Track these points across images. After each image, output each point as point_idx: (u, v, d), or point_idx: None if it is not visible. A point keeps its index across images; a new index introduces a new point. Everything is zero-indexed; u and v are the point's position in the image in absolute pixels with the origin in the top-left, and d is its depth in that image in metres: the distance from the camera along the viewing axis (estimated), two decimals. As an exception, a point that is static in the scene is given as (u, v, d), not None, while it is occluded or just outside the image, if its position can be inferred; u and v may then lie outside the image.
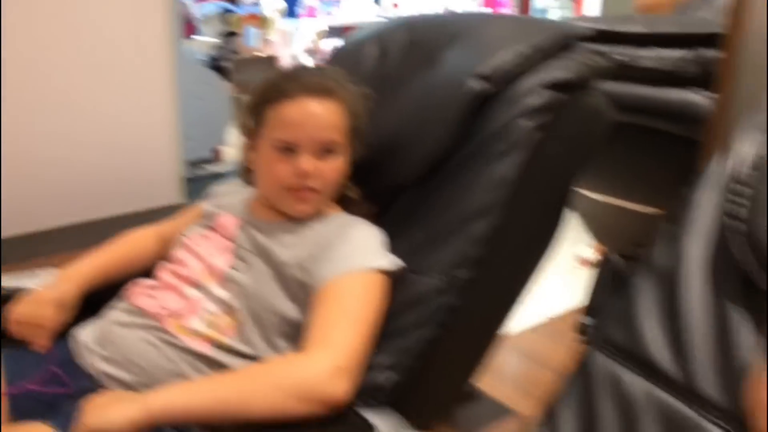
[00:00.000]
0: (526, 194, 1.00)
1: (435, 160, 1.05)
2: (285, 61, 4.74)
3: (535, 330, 2.07)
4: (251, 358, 0.95)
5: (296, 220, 1.02)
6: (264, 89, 1.03)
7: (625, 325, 0.74)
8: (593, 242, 2.14)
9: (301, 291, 0.96)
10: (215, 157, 4.27)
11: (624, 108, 1.41)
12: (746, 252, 0.66)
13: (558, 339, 2.00)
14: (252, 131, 1.04)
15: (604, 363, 0.74)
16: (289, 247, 0.99)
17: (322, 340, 0.87)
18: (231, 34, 4.96)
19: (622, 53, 1.47)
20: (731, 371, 0.63)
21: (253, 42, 4.20)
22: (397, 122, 1.11)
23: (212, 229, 1.08)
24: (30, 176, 2.90)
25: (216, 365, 0.94)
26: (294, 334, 0.96)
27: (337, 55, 1.33)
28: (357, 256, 0.96)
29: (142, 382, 0.93)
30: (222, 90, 4.14)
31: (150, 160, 3.24)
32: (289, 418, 0.81)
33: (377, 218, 1.07)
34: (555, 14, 5.96)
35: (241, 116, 1.06)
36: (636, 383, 0.70)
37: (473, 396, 1.51)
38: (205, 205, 1.15)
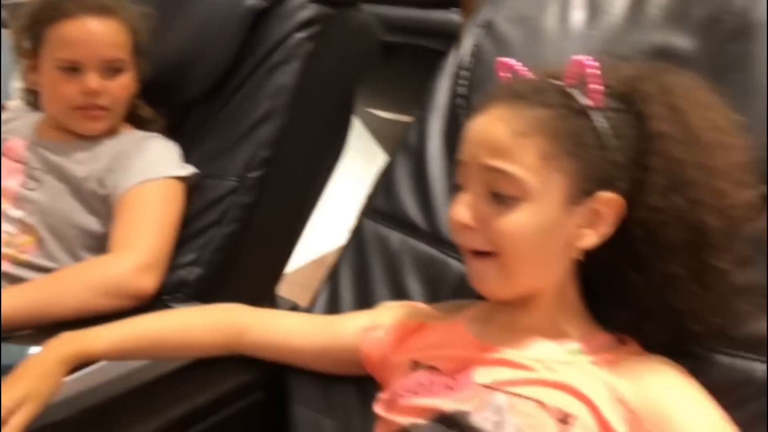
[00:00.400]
0: (306, 100, 1.11)
1: (220, 74, 1.13)
2: None
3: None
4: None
5: (88, 138, 1.05)
6: (41, 9, 1.03)
7: (386, 195, 0.89)
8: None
9: (101, 204, 1.01)
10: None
11: (396, 29, 1.57)
12: (462, 116, 0.84)
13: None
14: (31, 53, 1.04)
15: (372, 226, 0.89)
16: (84, 163, 1.02)
17: (126, 242, 0.93)
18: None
19: None
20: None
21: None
22: (181, 41, 1.16)
23: (2, 154, 1.07)
24: None
25: (19, 282, 0.96)
26: (98, 246, 1.01)
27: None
28: (153, 166, 1.02)
29: None
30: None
31: None
32: (98, 313, 0.87)
33: (170, 133, 1.12)
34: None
35: (17, 37, 1.05)
36: (395, 237, 0.86)
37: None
38: None
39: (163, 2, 1.19)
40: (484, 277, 0.61)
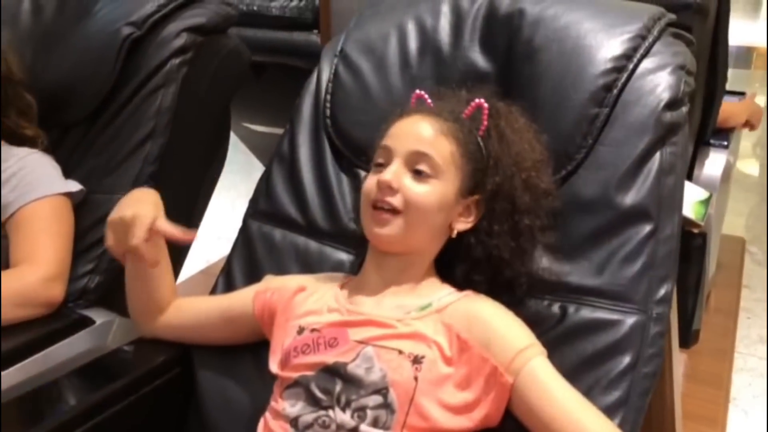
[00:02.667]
0: (185, 119, 1.25)
1: (101, 98, 1.24)
2: None
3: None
4: None
5: None
6: None
7: (267, 197, 1.06)
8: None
9: None
10: None
11: (264, 50, 1.72)
12: (332, 132, 1.03)
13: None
14: None
15: (257, 226, 1.05)
16: None
17: (30, 257, 1.02)
18: None
19: (255, 3, 1.78)
20: (331, 203, 1.00)
21: None
22: (63, 67, 1.26)
23: None
24: None
25: None
26: None
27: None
28: (42, 183, 1.10)
29: None
30: None
31: None
32: (13, 323, 0.97)
33: (51, 152, 1.20)
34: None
35: None
36: (277, 233, 1.03)
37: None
38: None
39: (45, 31, 1.30)
40: (388, 227, 0.79)
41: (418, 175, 0.79)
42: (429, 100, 0.87)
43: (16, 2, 1.36)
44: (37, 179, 1.11)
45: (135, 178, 1.18)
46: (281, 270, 0.99)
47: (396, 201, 0.78)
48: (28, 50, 1.30)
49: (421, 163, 0.79)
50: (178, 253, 1.36)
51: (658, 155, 0.88)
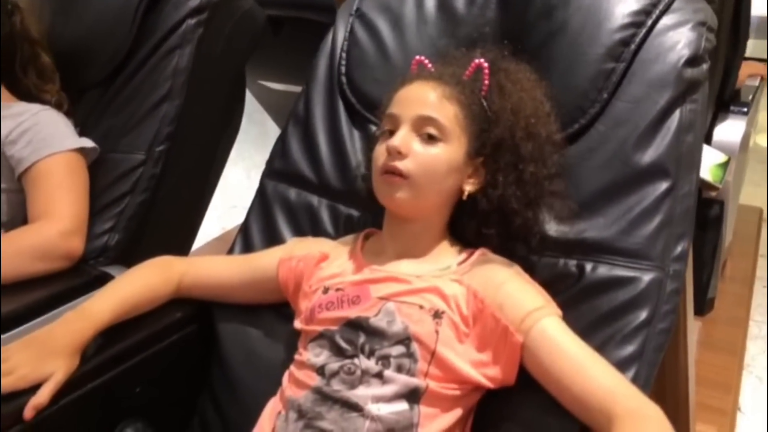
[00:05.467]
0: (200, 80, 1.25)
1: (118, 59, 1.24)
2: None
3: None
4: None
5: None
6: None
7: (282, 158, 1.06)
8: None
9: (5, 167, 1.09)
10: None
11: (279, 4, 1.70)
12: (349, 91, 1.03)
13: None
14: None
15: (273, 186, 1.05)
16: None
17: (47, 211, 1.04)
18: None
19: None
20: (345, 163, 1.00)
21: None
22: (77, 31, 1.27)
23: None
24: None
25: None
26: (3, 208, 1.09)
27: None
28: (56, 139, 1.11)
29: None
30: None
31: None
32: (34, 276, 0.98)
33: (70, 113, 1.21)
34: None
35: None
36: (292, 192, 1.03)
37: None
38: None
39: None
40: (398, 192, 0.79)
41: (426, 139, 0.79)
42: (430, 65, 0.87)
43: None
44: (51, 135, 1.12)
45: (153, 137, 1.19)
46: (296, 229, 1.00)
47: (405, 165, 0.78)
48: (46, 12, 1.30)
49: (428, 127, 0.79)
50: (192, 221, 1.39)
51: (678, 112, 0.87)
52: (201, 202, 1.39)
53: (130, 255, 1.13)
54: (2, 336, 0.87)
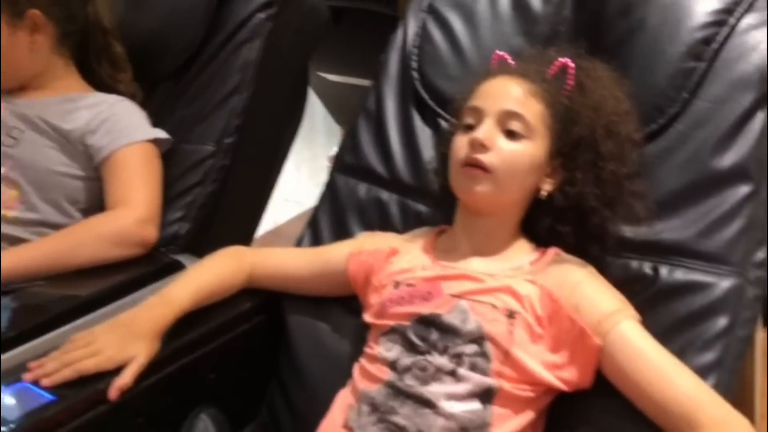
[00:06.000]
0: (268, 73, 1.27)
1: (189, 52, 1.27)
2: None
3: (300, 218, 2.40)
4: (40, 224, 1.09)
5: (59, 96, 1.15)
6: None
7: (353, 152, 1.07)
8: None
9: (83, 155, 1.12)
10: None
11: None
12: (421, 87, 1.03)
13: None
14: None
15: (343, 180, 1.06)
16: (66, 118, 1.12)
17: (124, 199, 1.07)
18: None
19: None
20: (417, 158, 1.01)
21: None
22: (151, 23, 1.29)
23: None
24: None
25: (13, 241, 1.07)
26: (78, 195, 1.12)
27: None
28: (132, 129, 1.14)
29: None
30: None
31: None
32: (110, 261, 1.02)
33: (141, 103, 1.23)
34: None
35: None
36: (363, 187, 1.04)
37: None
38: None
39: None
40: (479, 185, 0.79)
41: (510, 134, 0.79)
42: (512, 62, 0.86)
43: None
44: (128, 126, 1.15)
45: (222, 129, 1.21)
46: (365, 223, 1.01)
47: (489, 159, 0.78)
48: (120, 3, 1.33)
49: (513, 122, 0.79)
50: (256, 212, 1.41)
51: (760, 114, 0.85)
52: (264, 193, 1.41)
53: (198, 244, 1.16)
54: (85, 318, 0.89)
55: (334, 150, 1.16)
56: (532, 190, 0.82)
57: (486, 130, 0.79)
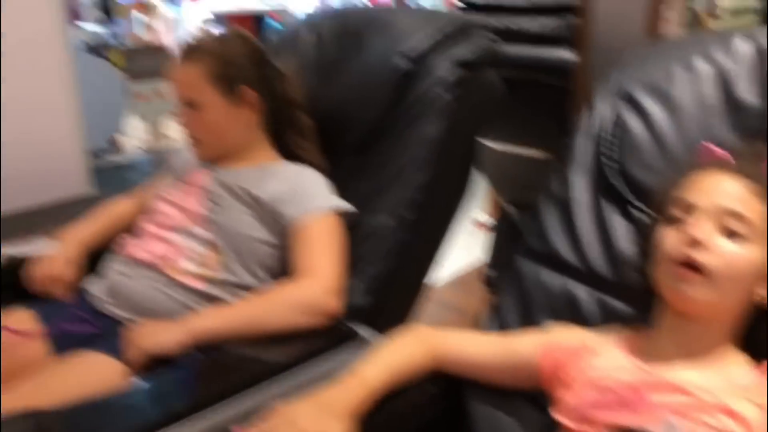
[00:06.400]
0: (447, 149, 1.29)
1: (373, 127, 1.32)
2: (172, 48, 4.75)
3: (451, 284, 2.41)
4: (236, 286, 1.16)
5: (252, 165, 1.24)
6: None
7: (539, 237, 1.05)
8: (486, 207, 2.50)
9: (274, 222, 1.18)
10: (113, 146, 4.27)
11: (512, 65, 1.73)
12: (617, 176, 1.00)
13: (469, 291, 2.34)
14: None
15: (530, 267, 1.04)
16: (261, 187, 1.20)
17: (311, 269, 1.11)
18: (111, 21, 4.91)
19: (509, 21, 1.81)
20: (612, 251, 0.97)
21: (138, 29, 4.22)
22: (338, 98, 1.37)
23: (184, 182, 1.26)
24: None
25: (210, 298, 1.15)
26: (267, 261, 1.19)
27: (277, 42, 1.56)
28: (320, 199, 1.20)
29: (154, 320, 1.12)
30: (112, 78, 4.13)
31: (53, 151, 3.23)
32: (296, 328, 1.06)
33: (328, 176, 1.29)
34: (427, 2, 6.30)
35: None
36: (554, 277, 1.01)
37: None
38: (170, 167, 1.35)
39: (322, 66, 1.42)
40: (694, 288, 0.74)
41: (730, 235, 0.74)
42: (726, 155, 0.82)
43: (303, 37, 1.50)
44: (315, 195, 1.21)
45: (403, 204, 1.24)
46: (555, 314, 0.97)
47: (707, 260, 0.73)
48: (311, 80, 1.42)
49: (733, 222, 0.74)
50: (430, 268, 1.41)
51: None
52: (432, 264, 1.42)
53: (375, 316, 1.18)
54: (279, 383, 0.92)
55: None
56: (749, 295, 0.76)
57: (703, 228, 0.74)
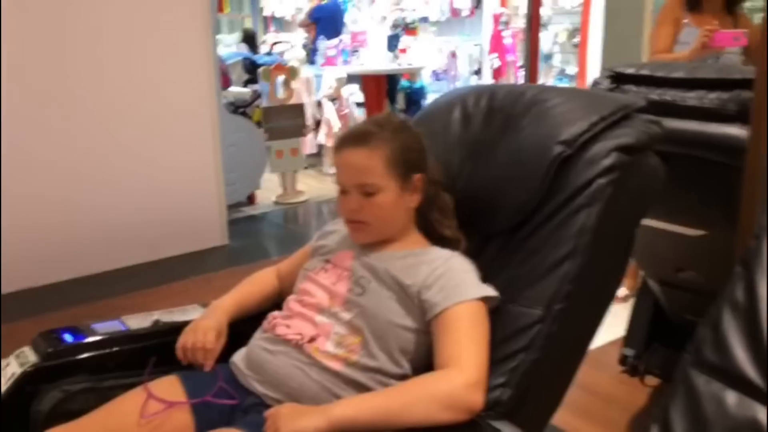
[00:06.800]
0: (603, 239, 1.21)
1: (525, 212, 1.26)
2: (309, 107, 4.97)
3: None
4: (375, 371, 1.14)
5: (399, 250, 1.22)
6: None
7: (716, 349, 0.94)
8: (625, 280, 2.36)
9: (417, 308, 1.15)
10: (250, 200, 4.48)
11: (673, 140, 1.63)
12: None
13: (601, 369, 2.20)
14: None
15: (703, 380, 0.93)
16: (408, 273, 1.17)
17: (456, 360, 1.06)
18: (253, 82, 5.23)
19: (670, 95, 1.71)
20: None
21: (278, 90, 4.45)
22: (487, 178, 1.32)
23: (330, 262, 1.27)
24: (87, 222, 3.09)
25: (349, 381, 1.13)
26: (409, 347, 1.15)
27: (421, 118, 1.55)
28: (465, 288, 1.15)
29: (294, 400, 1.11)
30: (254, 136, 4.36)
31: (197, 205, 3.44)
32: (437, 424, 1.00)
33: (473, 257, 1.25)
34: (558, 59, 6.25)
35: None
36: (731, 396, 0.89)
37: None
38: (316, 243, 1.36)
39: (469, 145, 1.39)
40: None
41: None
42: None
43: (447, 112, 1.48)
44: (462, 283, 1.16)
45: (553, 295, 1.16)
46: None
47: None
48: (455, 157, 1.40)
49: None
50: (570, 377, 1.31)
51: None
52: (581, 358, 1.32)
53: (516, 411, 1.11)
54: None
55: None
56: None
57: None
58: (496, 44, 6.29)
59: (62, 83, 2.95)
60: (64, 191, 3.01)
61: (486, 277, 1.21)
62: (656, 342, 2.12)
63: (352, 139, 1.21)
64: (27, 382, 1.15)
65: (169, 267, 3.26)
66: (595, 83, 1.89)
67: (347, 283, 1.21)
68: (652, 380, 2.07)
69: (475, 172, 1.36)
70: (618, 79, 1.82)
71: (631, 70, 1.80)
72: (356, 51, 5.51)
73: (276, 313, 1.26)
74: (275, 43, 6.48)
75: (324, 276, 1.24)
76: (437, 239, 1.28)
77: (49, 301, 2.84)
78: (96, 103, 3.07)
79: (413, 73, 6.34)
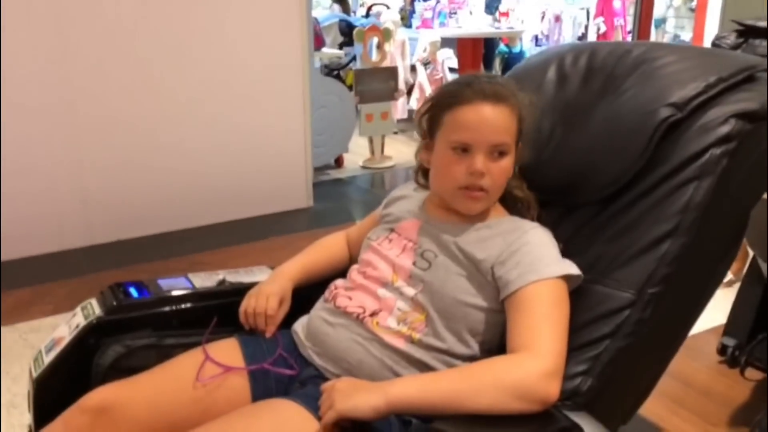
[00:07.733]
0: (712, 218, 1.06)
1: (621, 182, 1.13)
2: (402, 71, 4.86)
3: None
4: (441, 351, 1.05)
5: (472, 220, 1.11)
6: (441, 96, 1.12)
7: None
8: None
9: (489, 286, 1.05)
10: (337, 163, 4.46)
11: None
12: None
13: (697, 358, 2.02)
14: (427, 134, 1.14)
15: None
16: (481, 247, 1.07)
17: (531, 345, 0.95)
18: (349, 44, 5.17)
19: None
20: None
21: (372, 52, 4.36)
22: (585, 145, 1.19)
23: (395, 232, 1.18)
24: (180, 181, 3.15)
25: (412, 360, 1.04)
26: (479, 327, 1.06)
27: (513, 77, 1.42)
28: (544, 264, 1.03)
29: (352, 375, 1.04)
30: (345, 99, 4.31)
31: (284, 167, 3.45)
32: (505, 414, 0.91)
33: (552, 230, 1.13)
34: (671, 24, 5.85)
35: (419, 120, 1.16)
36: None
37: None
38: (383, 211, 1.27)
39: (564, 107, 1.25)
40: None
41: None
42: None
43: (542, 72, 1.35)
44: (540, 259, 1.04)
45: (647, 277, 1.03)
46: None
47: None
48: (546, 121, 1.26)
49: None
50: (660, 369, 1.18)
51: None
52: (675, 349, 1.18)
53: (596, 402, 1.00)
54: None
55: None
56: None
57: None
58: (605, 6, 5.93)
59: (157, 45, 2.99)
60: (153, 153, 3.07)
61: (566, 253, 1.09)
62: (762, 332, 1.92)
63: (491, 94, 1.07)
64: (90, 335, 1.14)
65: (253, 226, 3.29)
66: (717, 39, 1.68)
67: (412, 256, 1.12)
68: (754, 374, 1.88)
69: (566, 138, 1.22)
70: (746, 33, 1.60)
71: (763, 23, 1.59)
72: (454, 13, 5.32)
73: (339, 282, 1.19)
74: (372, 5, 6.38)
75: (387, 246, 1.16)
76: (508, 202, 1.17)
77: (138, 254, 2.94)
78: (187, 64, 3.10)
79: (512, 38, 6.09)
